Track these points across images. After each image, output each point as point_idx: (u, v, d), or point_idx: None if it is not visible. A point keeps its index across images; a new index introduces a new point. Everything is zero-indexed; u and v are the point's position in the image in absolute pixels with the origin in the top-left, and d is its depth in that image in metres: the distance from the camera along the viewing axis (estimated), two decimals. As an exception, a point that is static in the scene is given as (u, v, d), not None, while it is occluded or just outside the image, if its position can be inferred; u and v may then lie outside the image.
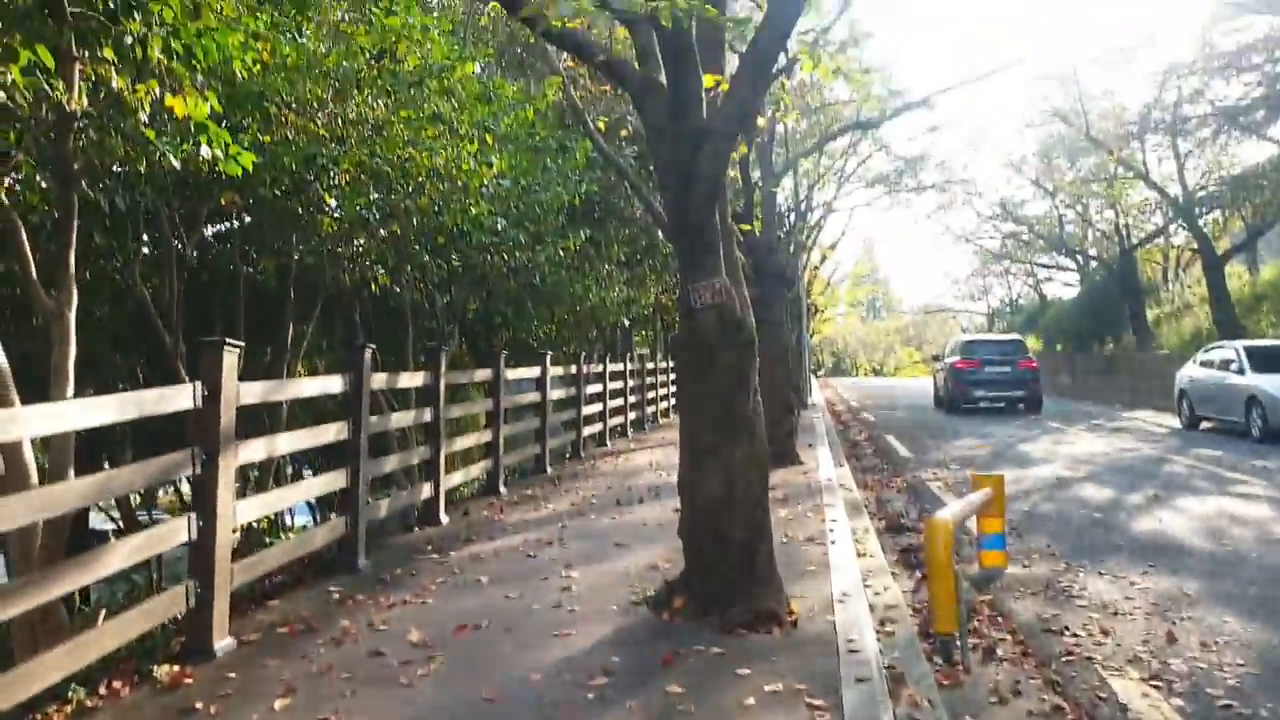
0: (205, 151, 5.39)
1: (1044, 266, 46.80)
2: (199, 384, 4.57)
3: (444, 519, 7.74)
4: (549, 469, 11.30)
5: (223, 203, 7.75)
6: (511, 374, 10.40)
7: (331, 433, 6.28)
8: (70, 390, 5.21)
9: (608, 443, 14.74)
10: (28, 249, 5.45)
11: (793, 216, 22.08)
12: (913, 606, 5.57)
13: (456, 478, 8.34)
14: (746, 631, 4.63)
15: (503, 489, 9.61)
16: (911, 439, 17.19)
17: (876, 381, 55.65)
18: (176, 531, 4.49)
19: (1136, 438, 17.04)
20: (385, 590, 5.69)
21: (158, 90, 5.19)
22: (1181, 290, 35.99)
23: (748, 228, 11.29)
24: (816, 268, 34.21)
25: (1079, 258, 39.76)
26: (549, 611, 5.12)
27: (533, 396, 11.16)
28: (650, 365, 19.47)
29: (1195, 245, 28.17)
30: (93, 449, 8.94)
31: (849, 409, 28.12)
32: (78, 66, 4.93)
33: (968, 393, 23.63)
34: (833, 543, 6.78)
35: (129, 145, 5.44)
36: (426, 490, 7.55)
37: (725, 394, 4.73)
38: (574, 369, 13.04)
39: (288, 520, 11.37)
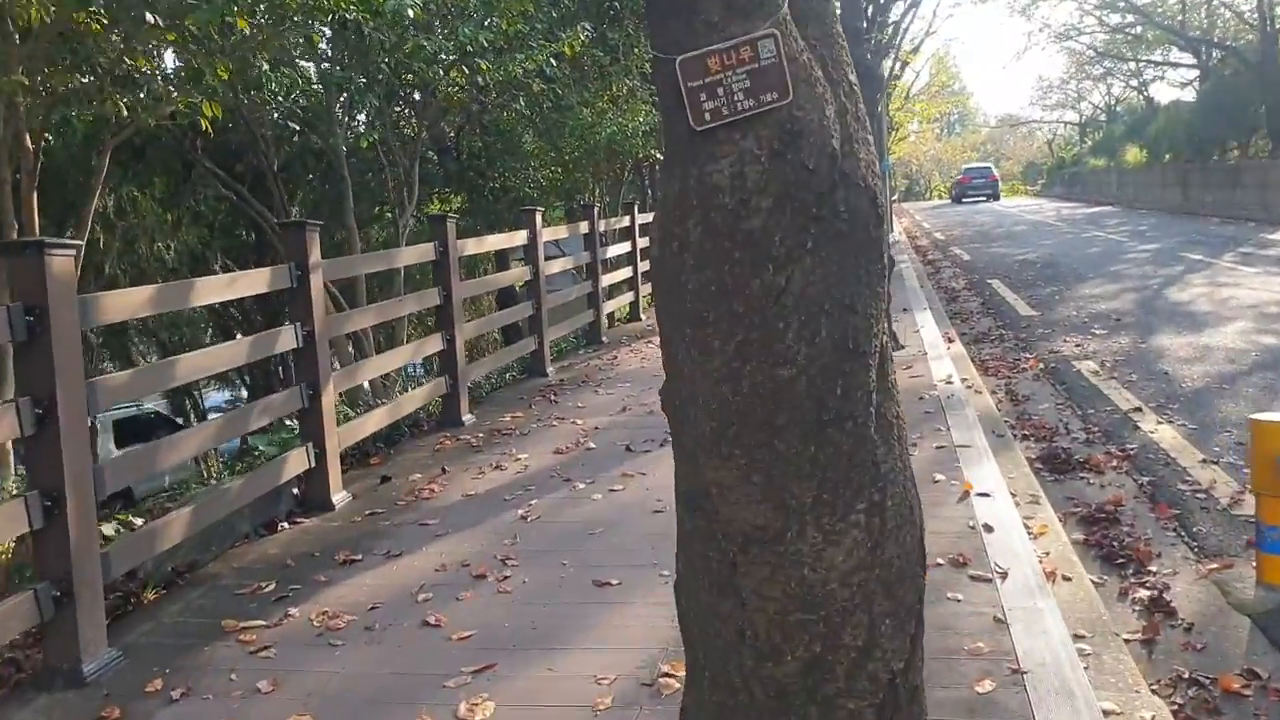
0: None
1: (1154, 64, 40.98)
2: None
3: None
4: (549, 371, 8.36)
5: None
6: (472, 245, 7.39)
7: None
8: None
9: (641, 316, 11.72)
10: None
11: (870, 9, 17.99)
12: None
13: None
14: None
15: (466, 416, 6.69)
16: (1024, 285, 13.86)
17: (956, 208, 50.88)
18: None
19: (1316, 273, 13.42)
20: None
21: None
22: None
23: None
24: (897, 77, 29.72)
25: (1202, 50, 34.16)
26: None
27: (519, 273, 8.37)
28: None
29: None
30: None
31: (934, 243, 24.50)
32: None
33: (963, 192, 47.54)
34: (1000, 573, 3.80)
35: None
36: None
37: (805, 392, 1.66)
38: (584, 226, 9.93)
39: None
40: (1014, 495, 4.58)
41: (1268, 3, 28.82)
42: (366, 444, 5.92)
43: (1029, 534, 4.10)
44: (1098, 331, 9.73)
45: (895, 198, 62.61)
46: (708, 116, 1.59)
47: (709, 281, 1.64)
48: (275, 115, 8.64)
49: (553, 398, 7.44)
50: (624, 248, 11.52)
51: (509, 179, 11.00)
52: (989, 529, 3.99)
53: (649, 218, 12.21)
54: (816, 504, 1.66)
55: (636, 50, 11.01)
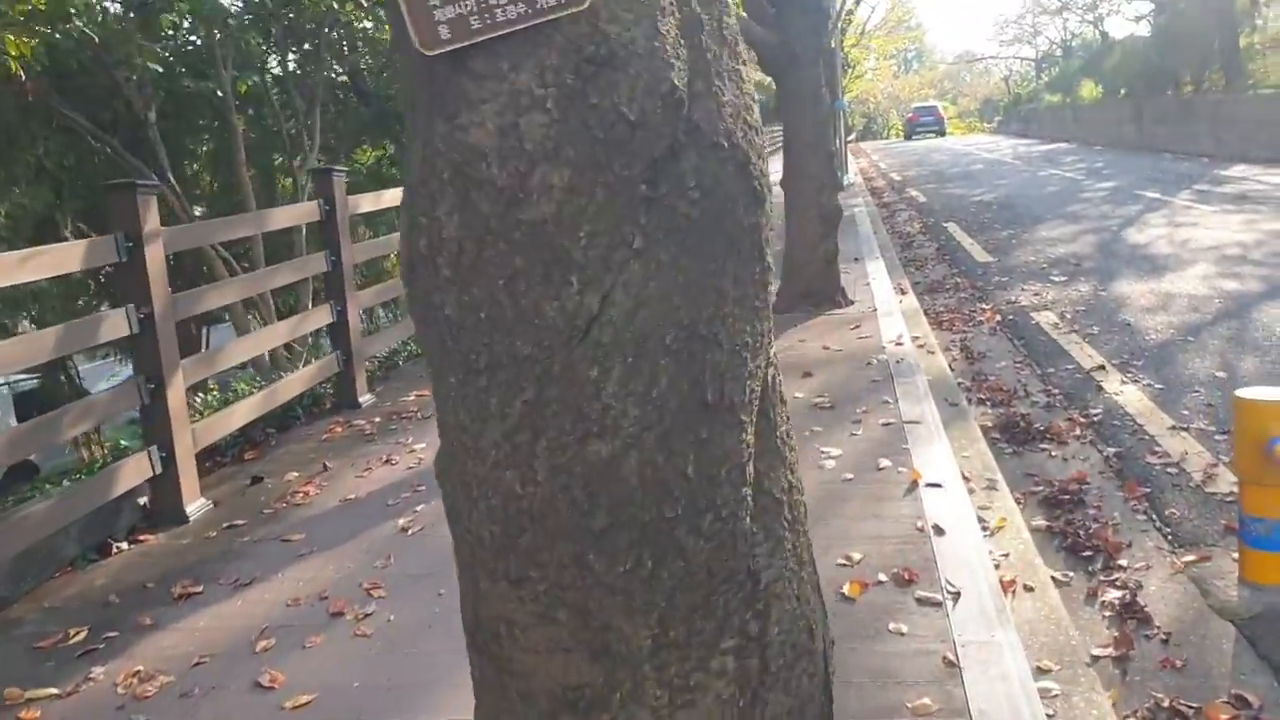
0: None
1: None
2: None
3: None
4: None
5: None
6: (368, 201, 6.56)
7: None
8: None
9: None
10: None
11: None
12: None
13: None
14: None
15: (364, 397, 5.94)
16: (980, 228, 13.35)
17: (912, 145, 50.24)
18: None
19: (1274, 209, 13.04)
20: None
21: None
22: (1277, 14, 30.32)
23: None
24: (851, 12, 28.79)
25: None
26: None
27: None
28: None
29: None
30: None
31: (890, 184, 23.91)
32: None
33: (913, 129, 52.58)
34: (952, 594, 3.26)
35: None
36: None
37: (636, 476, 1.08)
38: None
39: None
40: (969, 480, 4.05)
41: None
42: (252, 431, 5.24)
43: (985, 531, 3.57)
44: (1056, 278, 9.24)
45: (853, 137, 61.83)
46: (445, 34, 0.94)
47: (475, 305, 1.02)
48: (162, 56, 7.69)
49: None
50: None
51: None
52: (940, 531, 3.44)
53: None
54: (659, 648, 1.06)
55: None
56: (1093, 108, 40.73)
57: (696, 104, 1.07)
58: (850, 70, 36.68)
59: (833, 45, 21.78)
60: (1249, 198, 14.67)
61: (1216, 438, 4.78)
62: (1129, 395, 5.58)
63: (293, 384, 5.21)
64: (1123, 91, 36.49)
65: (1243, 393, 3.45)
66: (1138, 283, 8.67)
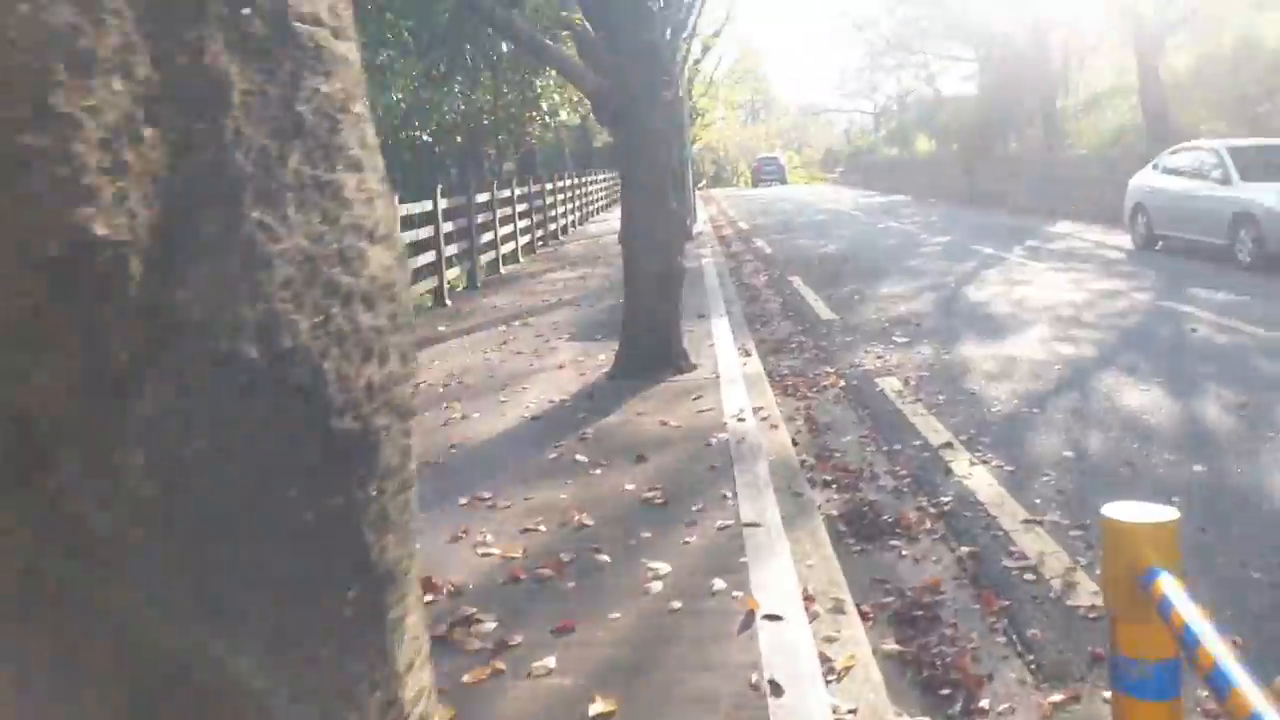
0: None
1: (941, 57, 42.58)
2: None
3: None
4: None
5: None
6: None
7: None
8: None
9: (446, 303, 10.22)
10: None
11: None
12: None
13: None
14: None
15: None
16: (824, 282, 13.26)
17: (760, 193, 51.50)
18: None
19: (1098, 268, 13.53)
20: None
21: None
22: (1091, 80, 32.58)
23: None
24: (698, 61, 29.05)
25: (981, 44, 35.51)
26: None
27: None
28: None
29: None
30: None
31: (738, 233, 24.02)
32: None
33: (759, 178, 59.48)
34: None
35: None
36: None
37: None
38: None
39: None
40: (812, 601, 3.50)
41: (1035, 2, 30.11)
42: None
43: (831, 676, 3.01)
44: (899, 339, 9.06)
45: (703, 184, 63.00)
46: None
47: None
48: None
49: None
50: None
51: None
52: (776, 690, 2.84)
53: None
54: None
55: (388, 19, 9.42)
56: (928, 162, 42.75)
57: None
58: (699, 118, 37.15)
59: (679, 94, 21.80)
60: (1075, 255, 15.26)
61: (1071, 533, 4.44)
62: (979, 479, 5.23)
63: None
64: (954, 146, 38.36)
65: (1112, 511, 3.00)
66: (979, 346, 8.55)
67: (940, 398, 6.90)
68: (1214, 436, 5.72)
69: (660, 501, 4.54)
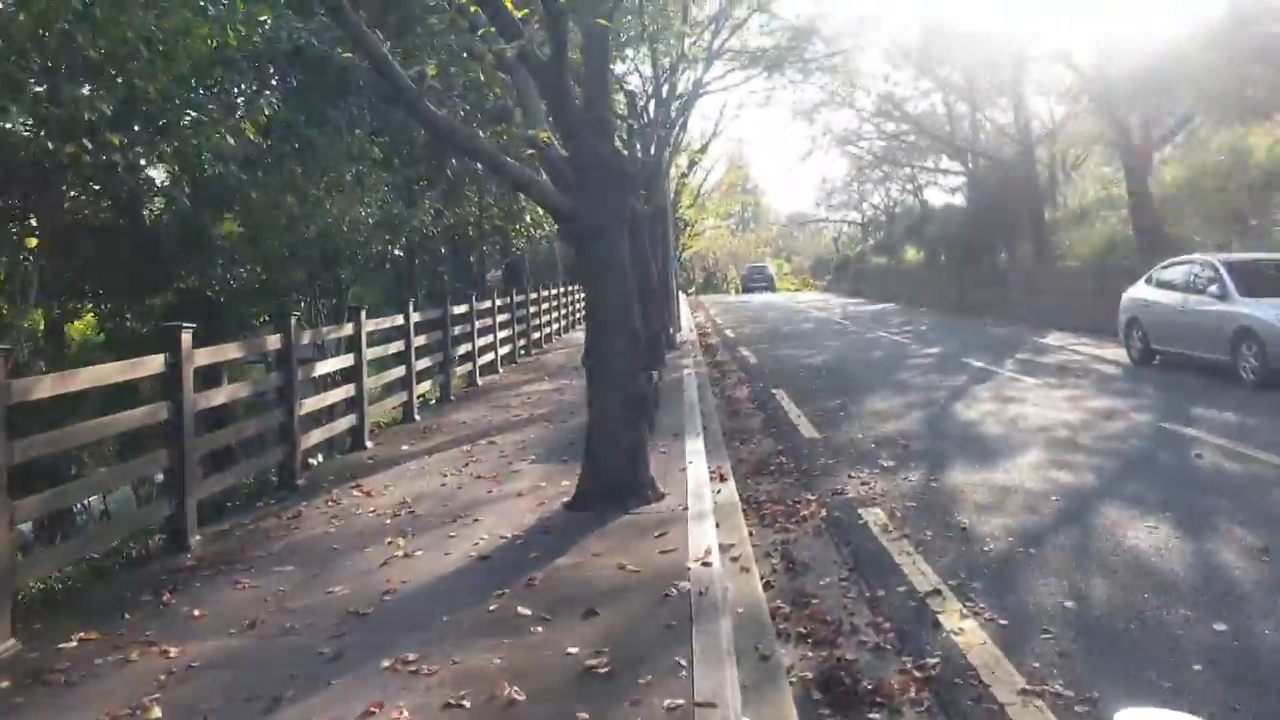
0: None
1: (927, 170, 43.24)
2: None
3: None
4: (191, 542, 6.20)
5: None
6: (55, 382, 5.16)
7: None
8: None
9: (366, 443, 9.66)
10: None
11: (653, 106, 17.09)
12: None
13: None
14: None
15: (5, 644, 4.29)
16: (809, 396, 12.79)
17: (749, 299, 51.65)
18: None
19: (1094, 384, 13.12)
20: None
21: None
22: (1079, 192, 32.95)
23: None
24: (685, 175, 29.33)
25: (969, 159, 36.05)
26: None
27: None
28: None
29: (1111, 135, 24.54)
30: None
31: (724, 341, 23.72)
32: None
33: (747, 285, 60.99)
34: None
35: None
36: None
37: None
38: (274, 341, 7.82)
39: None
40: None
41: (1024, 118, 30.68)
42: None
43: None
44: (885, 463, 8.53)
45: (692, 290, 63.47)
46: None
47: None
48: None
49: (169, 596, 5.27)
50: (345, 361, 9.51)
51: (191, 280, 8.83)
52: None
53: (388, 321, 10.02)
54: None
55: (356, 136, 9.19)
56: (916, 271, 42.97)
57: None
58: (688, 228, 37.48)
59: (664, 206, 21.85)
60: (1069, 369, 14.87)
61: (1077, 709, 3.85)
62: (970, 635, 4.65)
63: None
64: (943, 257, 38.62)
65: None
66: (970, 472, 8.03)
67: (928, 533, 6.35)
68: (1235, 586, 5.15)
69: (604, 670, 3.94)
